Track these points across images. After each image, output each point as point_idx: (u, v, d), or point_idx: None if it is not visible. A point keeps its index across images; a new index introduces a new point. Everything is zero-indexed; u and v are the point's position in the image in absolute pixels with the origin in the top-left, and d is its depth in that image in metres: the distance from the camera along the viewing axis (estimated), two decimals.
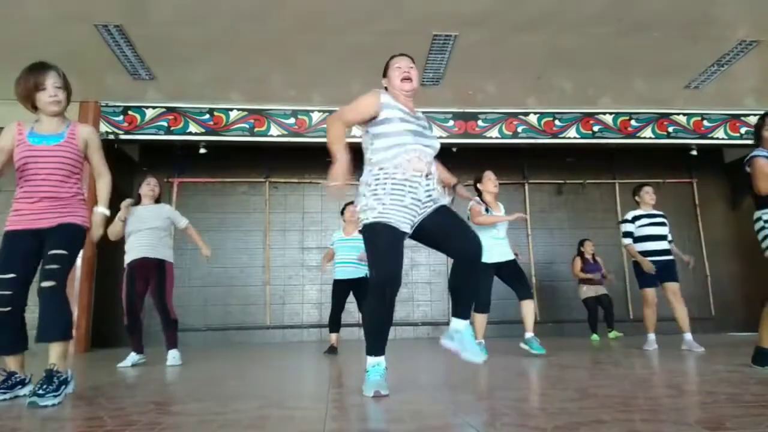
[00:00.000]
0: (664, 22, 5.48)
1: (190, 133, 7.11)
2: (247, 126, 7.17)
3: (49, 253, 2.50)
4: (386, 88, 2.73)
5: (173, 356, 4.36)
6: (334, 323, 5.32)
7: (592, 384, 2.68)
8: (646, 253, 4.93)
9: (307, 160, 7.86)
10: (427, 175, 2.46)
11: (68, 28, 5.35)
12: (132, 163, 7.81)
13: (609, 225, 8.19)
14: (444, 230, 2.46)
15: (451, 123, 7.43)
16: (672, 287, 4.88)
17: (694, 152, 7.74)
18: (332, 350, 5.17)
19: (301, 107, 7.23)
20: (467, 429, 1.67)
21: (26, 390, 2.60)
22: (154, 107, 7.09)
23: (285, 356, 5.23)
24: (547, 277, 8.06)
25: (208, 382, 3.28)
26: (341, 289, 5.31)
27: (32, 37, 5.51)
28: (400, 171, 2.42)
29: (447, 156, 7.68)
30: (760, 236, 3.19)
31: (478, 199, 4.57)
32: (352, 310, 5.80)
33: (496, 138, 7.46)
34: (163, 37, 5.57)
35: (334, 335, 5.31)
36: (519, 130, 7.50)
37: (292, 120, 7.24)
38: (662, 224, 5.02)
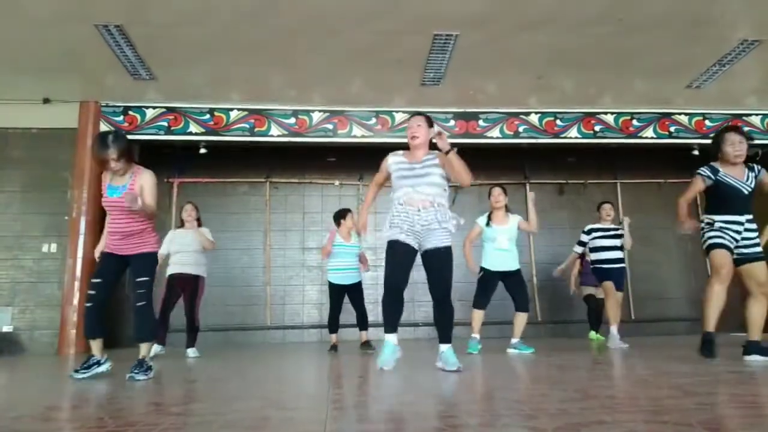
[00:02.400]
0: (665, 22, 5.47)
1: (191, 133, 7.10)
2: (248, 126, 7.16)
3: (136, 280, 3.45)
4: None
5: (192, 351, 5.25)
6: (333, 324, 5.57)
7: (592, 385, 2.67)
8: (598, 261, 5.65)
9: (307, 160, 7.85)
10: (419, 210, 3.31)
11: (68, 28, 5.35)
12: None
13: None
14: (429, 271, 3.36)
15: (452, 123, 7.42)
16: (616, 295, 5.58)
17: (696, 152, 7.72)
18: (334, 348, 5.46)
19: (302, 107, 7.22)
20: (467, 430, 1.66)
21: (102, 368, 3.43)
22: (154, 107, 7.09)
23: (285, 357, 5.23)
24: (547, 277, 8.03)
25: (208, 383, 3.27)
26: (337, 292, 5.54)
27: (33, 37, 5.52)
28: (400, 206, 3.38)
29: None
30: (702, 234, 3.66)
31: (480, 220, 5.11)
32: (353, 310, 5.79)
33: (498, 138, 7.45)
34: (164, 37, 5.57)
35: (334, 336, 5.58)
36: (520, 129, 7.49)
37: (292, 120, 7.23)
38: (615, 237, 5.70)
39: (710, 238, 3.58)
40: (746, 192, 3.60)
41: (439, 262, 3.30)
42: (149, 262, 3.51)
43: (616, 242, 5.67)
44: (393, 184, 3.50)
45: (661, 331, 7.78)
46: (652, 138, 7.63)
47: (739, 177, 3.64)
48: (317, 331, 7.55)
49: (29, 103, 6.79)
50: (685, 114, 7.68)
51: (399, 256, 3.32)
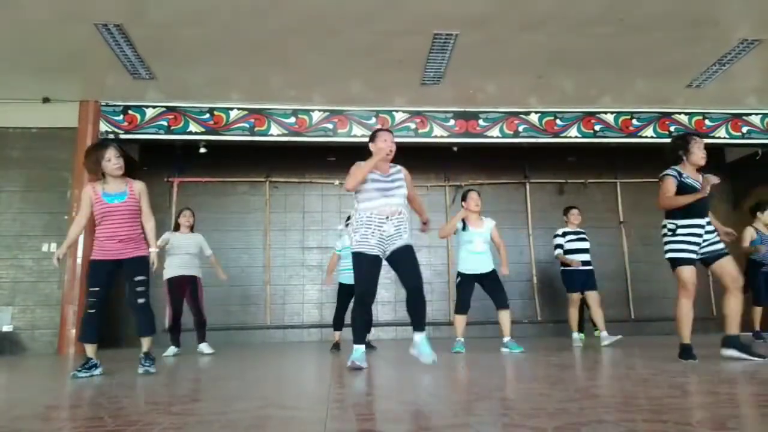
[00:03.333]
0: (666, 22, 5.47)
1: (191, 133, 7.10)
2: (248, 125, 7.16)
3: (135, 279, 3.66)
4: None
5: (205, 347, 5.52)
6: (338, 322, 5.67)
7: (592, 384, 2.68)
8: (567, 264, 5.85)
9: (307, 159, 7.85)
10: (387, 217, 3.51)
11: (68, 27, 5.34)
12: (132, 163, 7.79)
13: (611, 225, 8.18)
14: (400, 265, 3.56)
15: (452, 122, 7.42)
16: (592, 294, 5.77)
17: None
18: (336, 347, 5.54)
19: (302, 106, 7.22)
20: (467, 429, 1.66)
21: (98, 371, 3.58)
22: (154, 107, 7.08)
23: (285, 356, 5.23)
24: (547, 276, 8.05)
25: (208, 383, 3.27)
26: (346, 292, 5.62)
27: (33, 36, 5.51)
28: (370, 215, 3.53)
29: (448, 156, 7.74)
30: (664, 241, 3.73)
31: (459, 222, 5.19)
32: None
33: (497, 137, 7.45)
34: (164, 37, 5.56)
35: (337, 333, 5.68)
36: (520, 129, 7.49)
37: (292, 119, 7.23)
38: (584, 240, 5.91)
39: (674, 250, 3.64)
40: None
41: (407, 254, 3.54)
42: (145, 263, 3.73)
43: (585, 245, 5.87)
44: (364, 193, 3.60)
45: (660, 330, 7.78)
46: (652, 137, 7.63)
47: (698, 180, 3.75)
48: (317, 330, 7.54)
49: (29, 102, 6.79)
50: (685, 113, 7.68)
51: (367, 266, 3.53)
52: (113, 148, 3.72)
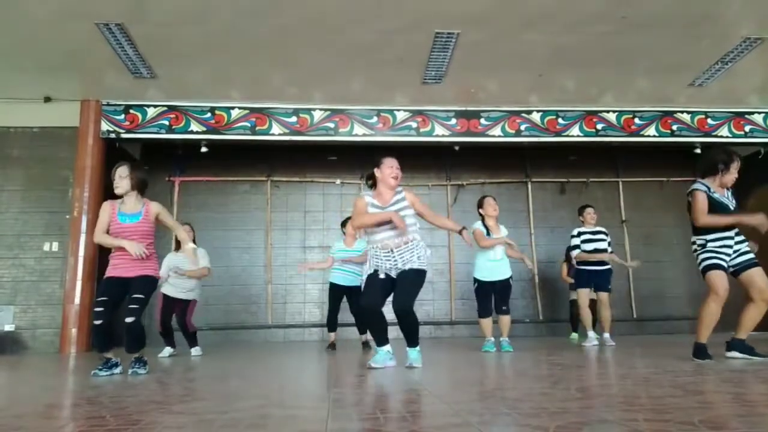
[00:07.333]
0: (668, 20, 5.45)
1: (192, 132, 7.10)
2: (249, 124, 7.16)
3: (132, 296, 3.65)
4: (373, 176, 3.83)
5: (195, 350, 5.54)
6: (332, 324, 5.76)
7: (594, 383, 2.67)
8: (586, 263, 5.74)
9: (308, 158, 7.85)
10: (392, 250, 3.57)
11: (69, 26, 5.34)
12: (133, 162, 7.79)
13: (612, 224, 8.14)
14: (396, 287, 3.59)
15: (453, 121, 7.40)
16: (602, 296, 5.69)
17: (698, 150, 7.69)
18: (332, 347, 5.63)
19: (303, 105, 7.21)
20: (468, 429, 1.66)
21: (118, 370, 3.66)
22: (155, 106, 7.08)
23: (286, 355, 5.23)
24: (548, 276, 8.04)
25: (209, 382, 3.27)
26: (336, 292, 5.73)
27: (34, 35, 5.52)
28: (377, 247, 3.65)
29: (449, 155, 7.73)
30: (695, 255, 3.72)
31: (479, 225, 5.15)
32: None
33: (499, 136, 7.43)
34: (164, 36, 5.56)
35: (332, 334, 5.77)
36: (522, 128, 7.47)
37: (293, 118, 7.22)
38: (602, 240, 5.76)
39: (706, 259, 3.62)
40: (732, 208, 3.71)
41: (405, 278, 3.55)
42: (149, 283, 3.75)
43: (603, 245, 5.75)
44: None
45: (663, 329, 7.77)
46: (654, 136, 7.61)
47: (722, 194, 3.74)
48: (318, 330, 7.54)
49: (30, 101, 6.79)
50: (688, 112, 7.66)
51: (374, 283, 3.63)
52: (120, 168, 3.82)
